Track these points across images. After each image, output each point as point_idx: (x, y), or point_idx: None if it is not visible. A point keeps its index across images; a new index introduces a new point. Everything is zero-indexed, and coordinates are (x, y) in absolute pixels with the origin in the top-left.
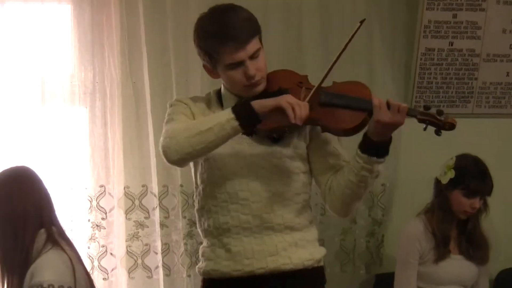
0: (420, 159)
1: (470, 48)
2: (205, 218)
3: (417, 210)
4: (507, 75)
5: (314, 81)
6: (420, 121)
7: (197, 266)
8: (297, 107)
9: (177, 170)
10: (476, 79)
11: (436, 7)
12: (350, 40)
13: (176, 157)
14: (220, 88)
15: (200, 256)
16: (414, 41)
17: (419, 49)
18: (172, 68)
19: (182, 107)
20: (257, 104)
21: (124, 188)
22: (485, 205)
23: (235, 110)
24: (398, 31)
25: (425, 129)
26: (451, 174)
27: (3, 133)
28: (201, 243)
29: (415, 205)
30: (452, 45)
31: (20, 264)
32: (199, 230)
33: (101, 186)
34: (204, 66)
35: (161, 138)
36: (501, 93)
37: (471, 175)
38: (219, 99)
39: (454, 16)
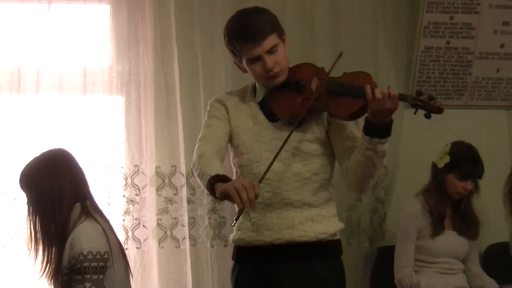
0: (419, 145)
1: (465, 46)
2: None
3: (416, 190)
4: (498, 71)
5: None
6: (412, 105)
7: (230, 235)
8: (242, 193)
9: None
10: (470, 74)
11: (435, 10)
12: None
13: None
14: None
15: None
16: (415, 40)
17: (419, 47)
18: (199, 62)
19: (215, 108)
20: (218, 189)
21: (156, 168)
22: (477, 187)
23: (208, 182)
24: (401, 31)
25: (415, 112)
26: (447, 159)
27: (50, 119)
28: (223, 217)
29: (414, 186)
30: (448, 44)
31: (58, 235)
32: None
33: (135, 166)
34: (234, 62)
35: (196, 146)
36: (492, 87)
37: (464, 160)
38: (253, 90)
39: (451, 18)
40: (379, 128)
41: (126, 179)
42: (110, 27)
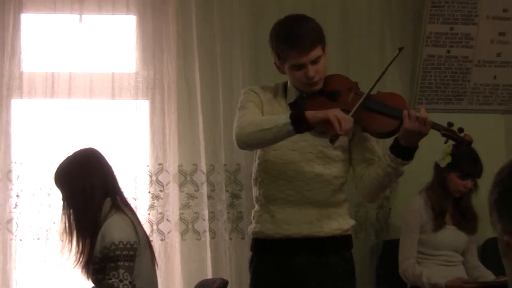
0: (423, 146)
1: (464, 55)
2: (257, 188)
3: (419, 188)
4: (494, 78)
5: (363, 87)
6: (443, 135)
7: (249, 227)
8: (342, 121)
9: (222, 152)
10: (468, 81)
11: (436, 21)
12: (391, 62)
13: (243, 146)
14: (287, 81)
15: (252, 219)
16: (418, 49)
17: (422, 56)
18: (219, 68)
19: (252, 95)
20: (310, 115)
21: (178, 166)
22: (476, 185)
23: (292, 116)
24: (405, 40)
25: (446, 142)
26: (448, 159)
27: (81, 121)
28: (241, 212)
29: (417, 184)
30: (449, 52)
31: (91, 228)
32: (253, 196)
33: (160, 164)
34: (274, 63)
35: (235, 125)
36: (489, 93)
37: (465, 160)
38: (284, 90)
39: (451, 28)
40: (405, 151)
41: (151, 176)
42: (136, 36)
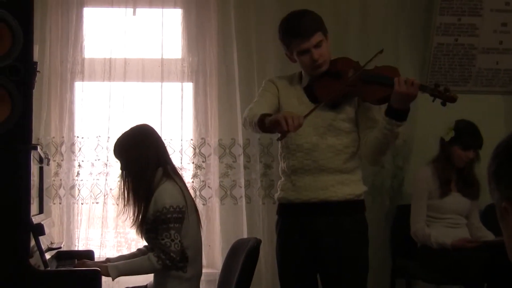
0: (431, 122)
1: (470, 43)
2: (282, 162)
3: (428, 159)
4: (497, 63)
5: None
6: (431, 95)
7: (275, 195)
8: (289, 119)
9: None
10: (474, 66)
11: (446, 13)
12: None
13: (244, 127)
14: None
15: (277, 187)
16: (429, 37)
17: (433, 44)
18: (254, 55)
19: (269, 85)
20: (267, 119)
21: (219, 140)
22: (477, 156)
23: (258, 119)
24: (418, 30)
25: (433, 100)
26: (452, 133)
27: (135, 101)
28: (273, 180)
29: (426, 157)
30: (457, 41)
31: (145, 193)
32: (280, 169)
33: (202, 138)
34: (285, 53)
35: (248, 107)
36: (492, 76)
37: (467, 134)
38: (300, 77)
39: (459, 19)
40: (398, 112)
41: (195, 149)
42: (182, 27)
